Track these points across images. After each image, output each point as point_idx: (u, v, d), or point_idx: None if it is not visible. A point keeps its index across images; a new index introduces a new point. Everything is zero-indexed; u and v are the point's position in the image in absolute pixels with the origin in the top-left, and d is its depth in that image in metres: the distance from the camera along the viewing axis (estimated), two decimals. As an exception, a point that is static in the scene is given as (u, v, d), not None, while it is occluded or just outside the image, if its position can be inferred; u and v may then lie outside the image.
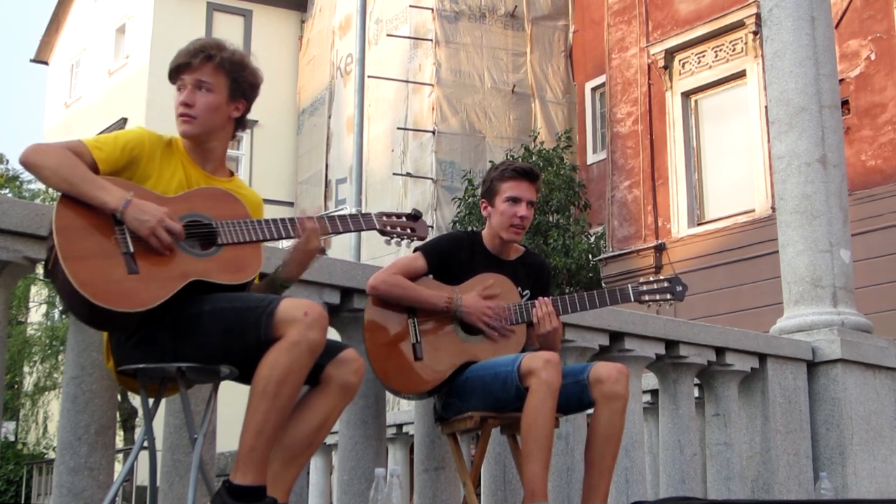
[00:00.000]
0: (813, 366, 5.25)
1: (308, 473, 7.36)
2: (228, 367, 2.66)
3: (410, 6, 18.26)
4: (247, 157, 20.80)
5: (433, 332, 3.47)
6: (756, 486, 4.98)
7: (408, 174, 17.80)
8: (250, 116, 3.00)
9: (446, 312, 3.46)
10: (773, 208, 11.40)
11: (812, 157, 5.48)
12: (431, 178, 17.40)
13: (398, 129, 18.20)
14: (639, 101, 14.77)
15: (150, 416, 2.72)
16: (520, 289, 3.58)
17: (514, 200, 3.57)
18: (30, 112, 61.46)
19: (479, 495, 3.73)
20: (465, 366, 3.44)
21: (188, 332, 2.58)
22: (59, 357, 18.16)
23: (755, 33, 13.19)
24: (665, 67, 14.49)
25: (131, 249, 2.55)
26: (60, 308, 18.86)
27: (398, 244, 3.07)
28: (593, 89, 17.07)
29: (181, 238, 2.62)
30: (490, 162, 16.00)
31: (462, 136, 17.73)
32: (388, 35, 18.77)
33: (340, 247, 15.15)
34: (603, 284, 14.29)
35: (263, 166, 20.69)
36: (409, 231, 3.06)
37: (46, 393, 19.19)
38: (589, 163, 16.88)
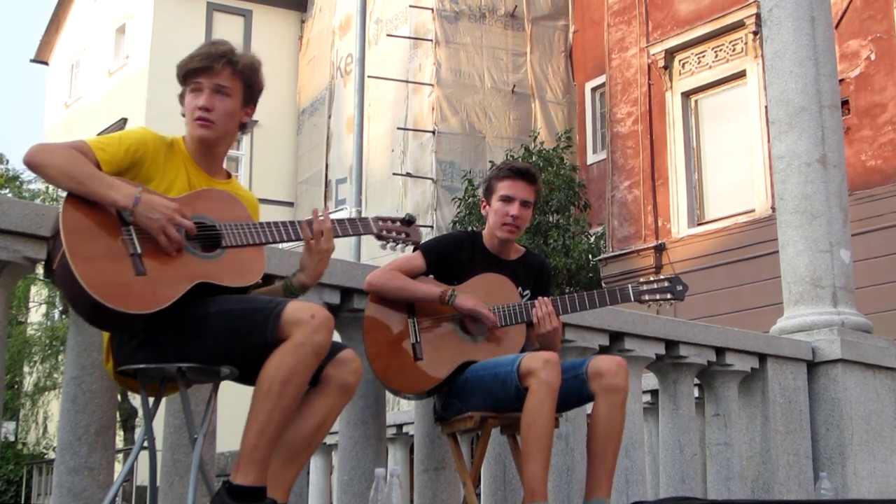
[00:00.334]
0: (813, 366, 5.25)
1: (308, 473, 7.36)
2: (228, 367, 2.66)
3: (410, 6, 18.26)
4: (247, 157, 20.80)
5: (433, 332, 3.47)
6: (756, 486, 4.98)
7: (408, 174, 17.80)
8: (250, 116, 3.01)
9: (442, 303, 3.45)
10: (773, 208, 11.40)
11: (812, 157, 5.48)
12: (431, 178, 17.40)
13: (398, 129, 18.20)
14: (639, 101, 14.77)
15: (150, 416, 2.72)
16: (520, 289, 3.58)
17: (508, 199, 3.58)
18: (30, 112, 61.50)
19: (479, 495, 3.73)
20: (464, 366, 3.44)
21: (193, 332, 2.58)
22: (59, 357, 18.16)
23: (755, 33, 13.19)
24: (665, 67, 14.49)
25: (139, 250, 2.55)
26: (60, 308, 18.88)
27: (392, 249, 3.10)
28: (593, 89, 17.07)
29: (193, 233, 2.63)
30: (490, 162, 16.01)
31: (462, 136, 17.73)
32: (388, 35, 18.77)
33: (340, 247, 15.06)
34: (603, 284, 14.29)
35: (263, 166, 20.69)
36: (403, 236, 3.09)
37: (46, 393, 19.19)
38: (589, 163, 16.89)
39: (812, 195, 5.44)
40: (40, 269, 3.15)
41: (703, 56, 14.17)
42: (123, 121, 20.28)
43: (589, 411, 3.50)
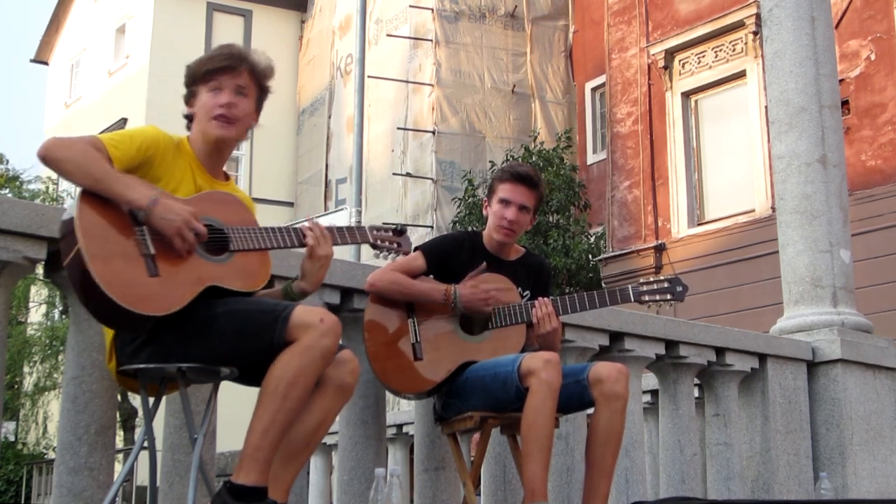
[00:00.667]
0: (813, 366, 5.25)
1: (308, 473, 7.36)
2: (229, 367, 2.67)
3: (410, 6, 18.27)
4: (247, 157, 20.81)
5: (433, 332, 3.47)
6: (756, 486, 4.98)
7: (408, 174, 17.80)
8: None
9: (445, 305, 3.46)
10: (773, 208, 11.40)
11: (812, 157, 5.48)
12: (431, 178, 17.40)
13: (398, 129, 18.21)
14: (639, 101, 14.77)
15: (150, 416, 2.72)
16: (520, 289, 3.58)
17: (506, 203, 3.59)
18: (30, 112, 61.52)
19: (479, 495, 3.73)
20: (464, 366, 3.44)
21: (200, 333, 2.59)
22: (59, 357, 18.16)
23: (755, 33, 13.19)
24: (665, 67, 14.49)
25: (152, 251, 2.55)
26: (60, 308, 18.88)
27: (385, 257, 3.17)
28: (593, 89, 17.08)
29: (204, 240, 2.63)
30: (490, 162, 16.02)
31: (462, 136, 17.73)
32: (388, 35, 18.78)
33: (341, 247, 15.11)
34: (603, 284, 14.29)
35: (263, 166, 20.70)
36: (395, 245, 3.13)
37: (46, 393, 19.18)
38: (589, 163, 16.89)
39: (812, 195, 5.44)
40: (40, 269, 3.15)
41: (703, 56, 14.17)
42: (123, 121, 20.28)
43: (589, 411, 3.50)
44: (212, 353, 2.60)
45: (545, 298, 3.50)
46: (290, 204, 21.13)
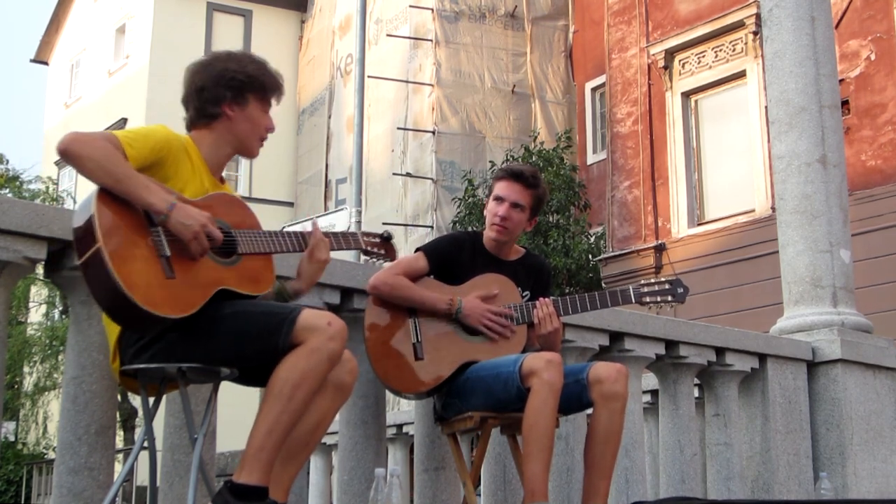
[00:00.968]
0: (813, 366, 5.25)
1: (308, 473, 7.36)
2: (229, 367, 2.67)
3: (410, 6, 18.27)
4: (247, 157, 20.78)
5: (434, 332, 3.47)
6: (756, 486, 4.98)
7: (408, 174, 17.80)
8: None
9: (447, 315, 3.46)
10: (773, 208, 11.40)
11: (812, 157, 5.48)
12: (431, 178, 17.40)
13: (398, 129, 18.20)
14: (639, 101, 14.77)
15: (150, 416, 2.72)
16: (520, 289, 3.58)
17: (499, 200, 3.60)
18: (30, 112, 61.50)
19: (479, 495, 3.73)
20: (465, 366, 3.44)
21: (207, 334, 2.59)
22: (59, 357, 18.16)
23: (755, 33, 13.19)
24: (665, 67, 14.49)
25: (168, 253, 2.56)
26: (60, 308, 18.88)
27: (373, 264, 3.24)
28: (593, 89, 17.08)
29: (219, 244, 2.64)
30: (490, 162, 16.03)
31: (462, 136, 17.74)
32: (388, 35, 18.77)
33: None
34: (603, 285, 14.29)
35: (263, 166, 20.68)
36: (383, 252, 3.21)
37: (46, 393, 19.18)
38: (589, 163, 16.89)
39: (812, 195, 5.44)
40: (40, 269, 3.15)
41: (703, 56, 14.17)
42: (123, 121, 20.28)
43: (589, 411, 3.50)
44: (217, 354, 2.60)
45: (546, 299, 3.50)
46: (290, 204, 21.14)
